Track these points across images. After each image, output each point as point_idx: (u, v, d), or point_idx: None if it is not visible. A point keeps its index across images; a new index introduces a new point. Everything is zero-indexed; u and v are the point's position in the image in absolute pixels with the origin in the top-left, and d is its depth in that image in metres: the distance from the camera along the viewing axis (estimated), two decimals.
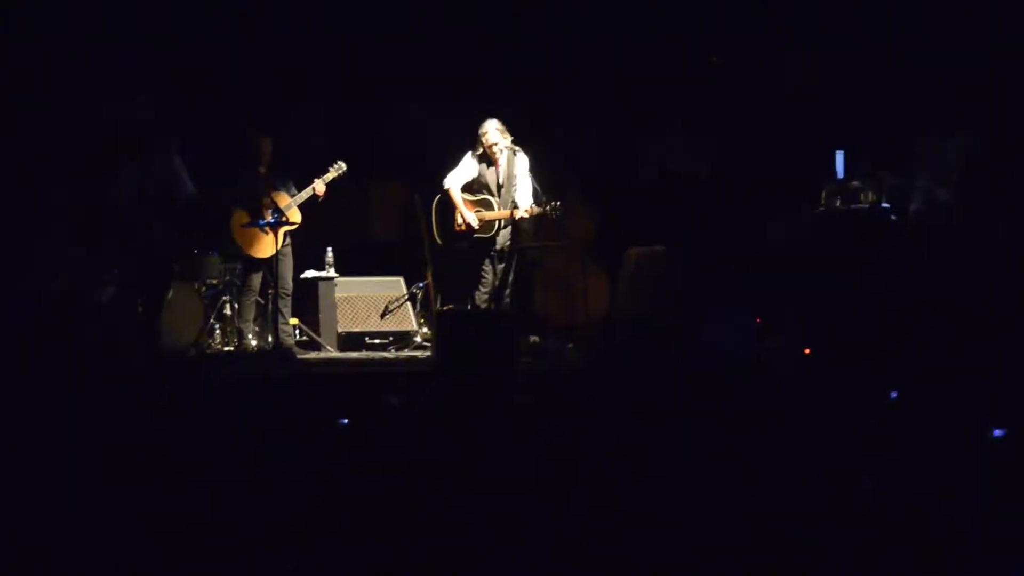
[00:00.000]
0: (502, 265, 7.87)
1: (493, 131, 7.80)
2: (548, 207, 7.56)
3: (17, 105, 7.56)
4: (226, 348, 8.35)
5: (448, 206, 7.96)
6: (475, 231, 7.82)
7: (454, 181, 7.95)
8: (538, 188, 7.65)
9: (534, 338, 8.10)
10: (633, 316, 7.82)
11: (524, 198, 7.81)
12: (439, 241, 7.96)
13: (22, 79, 7.61)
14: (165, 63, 8.14)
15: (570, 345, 8.02)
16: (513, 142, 7.74)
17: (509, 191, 7.83)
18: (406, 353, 8.40)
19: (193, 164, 7.30)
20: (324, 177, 8.02)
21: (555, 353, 7.79)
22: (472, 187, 7.95)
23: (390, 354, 8.34)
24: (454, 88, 8.77)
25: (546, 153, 8.11)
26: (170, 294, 7.64)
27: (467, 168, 7.96)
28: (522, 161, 7.77)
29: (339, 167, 8.08)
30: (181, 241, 7.65)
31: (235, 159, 8.05)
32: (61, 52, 7.74)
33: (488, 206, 7.92)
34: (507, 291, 7.84)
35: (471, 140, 7.93)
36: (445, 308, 7.97)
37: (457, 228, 7.87)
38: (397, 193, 9.04)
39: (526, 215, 7.68)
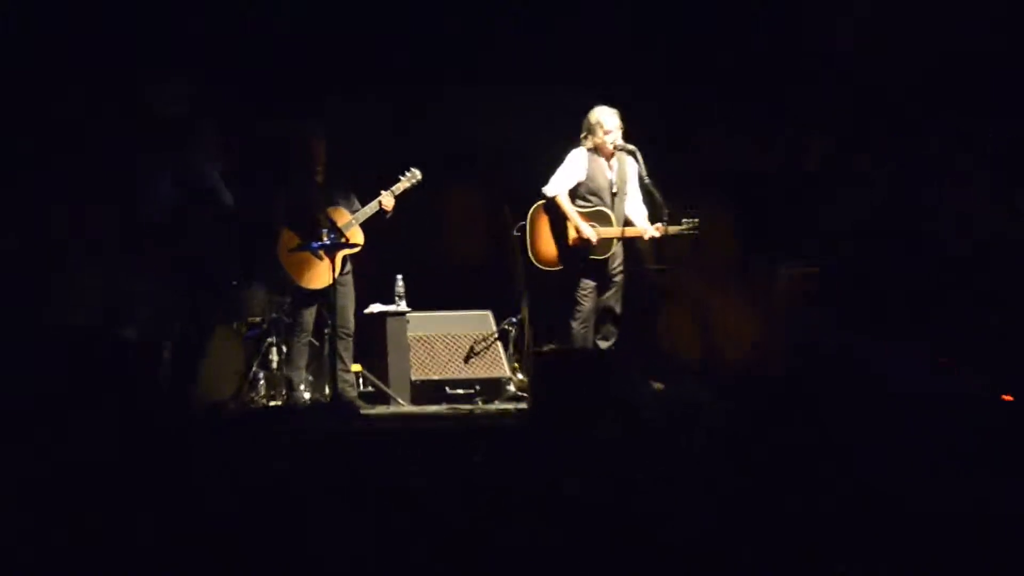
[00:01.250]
0: (611, 291, 8.02)
1: (612, 120, 7.81)
2: (687, 225, 7.67)
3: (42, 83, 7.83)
4: (273, 402, 8.33)
5: (551, 218, 8.03)
6: (591, 250, 7.88)
7: (561, 185, 7.97)
8: (659, 197, 7.76)
9: (658, 384, 8.11)
10: (787, 352, 7.94)
11: (638, 209, 8.03)
12: (537, 263, 8.04)
13: (48, 48, 7.90)
14: (197, 44, 8.26)
15: (706, 391, 7.81)
16: (625, 137, 7.87)
17: (623, 201, 8.03)
18: (497, 406, 8.43)
19: (230, 171, 7.55)
20: (393, 188, 8.06)
21: (687, 400, 7.62)
22: (576, 193, 8.02)
23: (477, 407, 8.37)
24: (552, 69, 8.84)
25: (662, 151, 8.15)
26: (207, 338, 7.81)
27: (576, 168, 7.99)
28: (634, 164, 7.92)
29: (412, 176, 8.13)
30: (216, 271, 7.83)
31: (282, 165, 8.11)
32: (84, 26, 8.02)
33: (604, 219, 8.00)
34: (613, 325, 7.98)
35: (577, 132, 7.99)
36: (545, 348, 7.95)
37: (572, 243, 7.87)
38: (483, 205, 9.17)
39: (656, 234, 7.76)
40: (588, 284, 8.04)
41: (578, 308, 8.01)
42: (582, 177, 8.00)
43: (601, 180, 7.98)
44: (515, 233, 8.15)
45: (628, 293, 8.14)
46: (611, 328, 8.10)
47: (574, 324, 8.02)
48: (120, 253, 7.45)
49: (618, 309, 8.08)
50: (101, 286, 7.47)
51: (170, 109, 7.48)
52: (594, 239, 7.85)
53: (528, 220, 8.11)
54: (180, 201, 7.34)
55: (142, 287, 7.47)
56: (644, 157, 7.87)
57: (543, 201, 8.09)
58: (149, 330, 7.38)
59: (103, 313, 7.36)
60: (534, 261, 8.08)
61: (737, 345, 8.46)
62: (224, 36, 8.55)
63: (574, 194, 8.03)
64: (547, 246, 8.07)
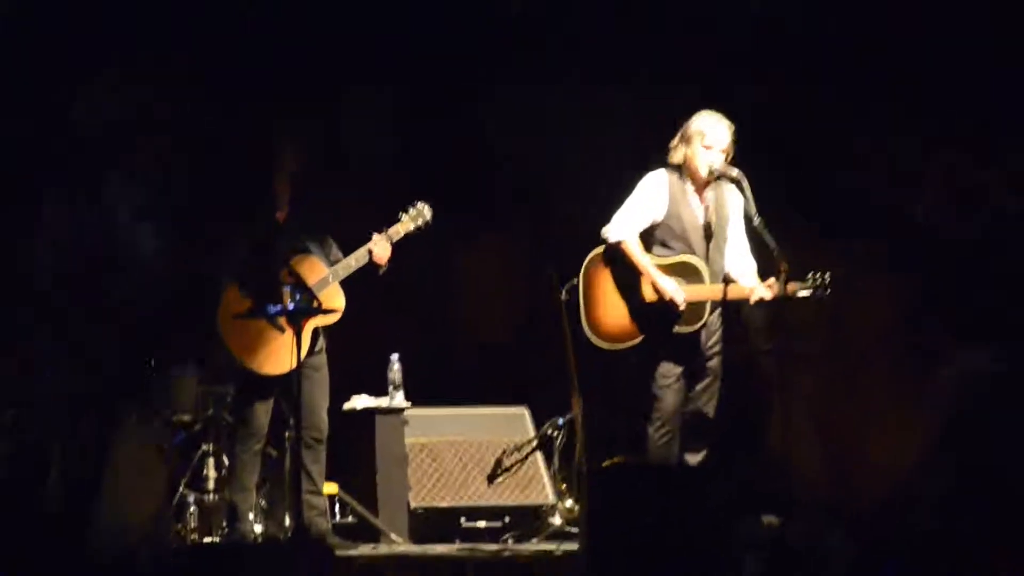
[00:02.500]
0: (703, 383, 7.91)
1: (721, 132, 7.80)
2: (814, 283, 7.68)
3: None
4: (208, 538, 8.32)
5: (615, 273, 7.96)
6: (676, 316, 7.79)
7: (630, 226, 7.90)
8: (773, 244, 7.58)
9: (770, 519, 7.74)
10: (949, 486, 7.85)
11: (742, 261, 7.94)
12: (595, 339, 7.92)
13: None
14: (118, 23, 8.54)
15: (836, 532, 7.52)
16: (731, 161, 7.82)
17: (720, 249, 7.92)
18: (535, 546, 8.38)
19: (149, 204, 7.56)
20: (390, 231, 8.08)
21: (809, 543, 7.34)
22: (652, 237, 7.95)
23: (505, 548, 8.26)
24: (620, 62, 8.98)
25: (774, 179, 8.10)
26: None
27: (652, 200, 7.92)
28: (738, 198, 7.86)
29: (418, 214, 8.18)
30: (126, 346, 7.80)
31: (228, 193, 8.25)
32: None
33: (693, 275, 7.89)
34: (706, 432, 7.93)
35: (654, 153, 7.92)
36: (606, 463, 7.51)
37: (646, 305, 7.84)
38: (518, 255, 9.35)
39: (768, 295, 7.71)
40: (671, 371, 7.88)
41: (656, 406, 7.88)
42: (660, 214, 7.87)
43: (689, 218, 7.86)
44: (563, 295, 7.93)
45: (728, 386, 8.01)
46: (702, 436, 7.96)
47: (650, 429, 7.90)
48: None
49: (712, 409, 7.94)
50: None
51: (87, 122, 7.77)
52: (680, 301, 7.73)
53: (582, 277, 7.97)
54: (80, 250, 7.46)
55: (19, 371, 7.52)
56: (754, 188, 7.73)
57: (603, 248, 7.94)
58: (28, 431, 7.41)
59: None
60: (590, 335, 7.92)
61: (883, 469, 8.37)
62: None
63: (649, 239, 7.92)
64: (609, 314, 7.94)
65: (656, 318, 7.84)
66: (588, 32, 9.19)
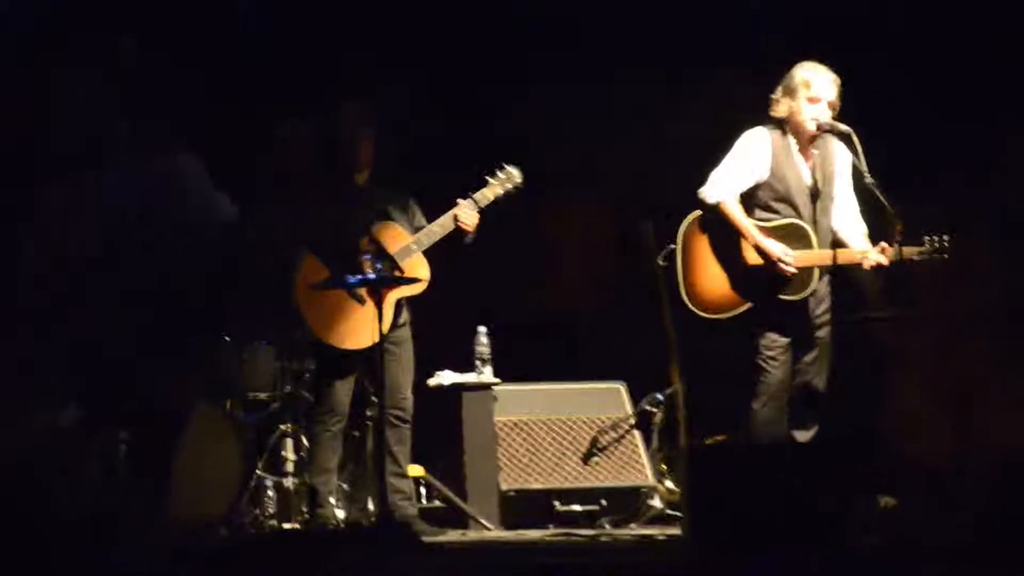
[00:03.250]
0: (811, 354, 7.83)
1: (826, 83, 7.71)
2: (931, 247, 7.62)
3: None
4: (287, 524, 8.37)
5: (715, 237, 7.91)
6: (783, 285, 7.73)
7: (730, 185, 7.82)
8: (888, 204, 7.53)
9: (887, 499, 7.82)
10: None
11: (853, 224, 7.89)
12: (695, 308, 7.89)
13: None
14: None
15: (961, 513, 7.18)
16: (838, 116, 7.74)
17: (828, 210, 7.85)
18: (634, 531, 8.35)
19: (223, 170, 7.15)
20: (477, 196, 8.03)
21: (932, 526, 7.13)
22: (754, 199, 7.88)
23: (603, 533, 8.28)
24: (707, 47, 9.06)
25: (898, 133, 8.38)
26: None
27: (753, 158, 7.82)
28: (846, 155, 7.78)
29: (508, 177, 8.11)
30: (198, 319, 7.42)
31: (303, 160, 8.20)
32: None
33: (800, 239, 7.82)
34: (816, 407, 7.87)
35: (759, 105, 7.84)
36: (709, 440, 7.85)
37: (749, 270, 7.79)
38: (611, 220, 9.42)
39: (884, 261, 7.65)
40: (777, 341, 7.79)
41: (762, 379, 7.78)
42: (764, 174, 7.76)
43: (794, 178, 7.76)
44: (660, 262, 7.97)
45: (839, 357, 7.97)
46: (812, 411, 7.86)
47: (755, 404, 7.79)
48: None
49: (822, 382, 7.85)
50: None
51: (122, 63, 7.21)
52: (790, 265, 7.64)
53: (680, 241, 7.91)
54: (134, 207, 6.89)
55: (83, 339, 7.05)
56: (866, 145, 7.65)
57: (700, 212, 7.88)
58: (91, 408, 6.98)
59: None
60: (689, 304, 7.86)
61: (1001, 446, 7.94)
62: None
63: (750, 200, 7.81)
64: (709, 280, 7.89)
65: (761, 284, 7.77)
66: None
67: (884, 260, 7.60)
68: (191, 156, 6.99)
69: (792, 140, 7.73)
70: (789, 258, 7.65)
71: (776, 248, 7.67)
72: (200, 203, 6.99)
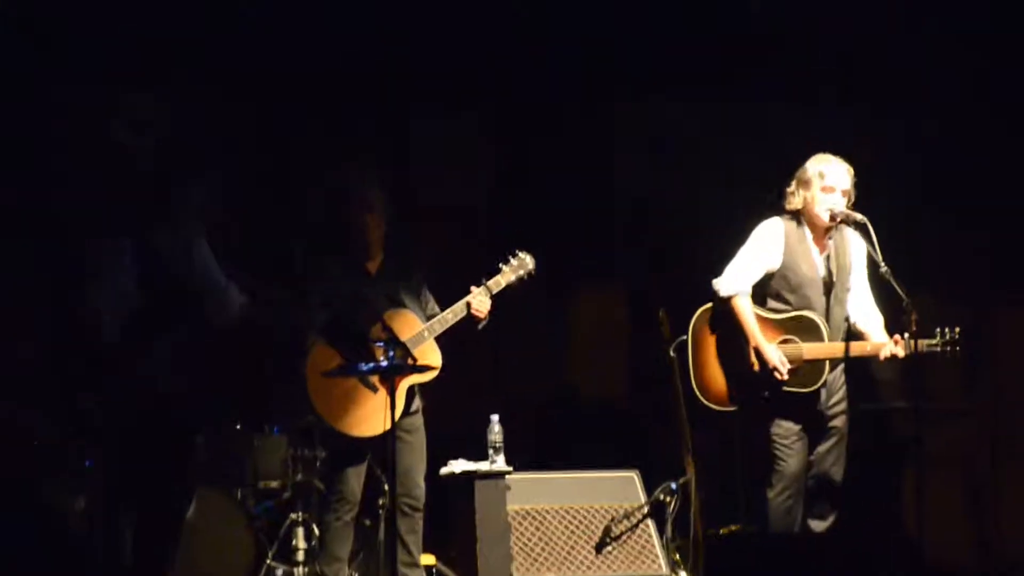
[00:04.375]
0: (827, 444, 7.80)
1: (840, 173, 7.72)
2: (942, 337, 7.58)
3: None
4: None
5: (722, 331, 7.93)
6: (789, 379, 7.75)
7: (742, 279, 7.84)
8: (903, 294, 7.47)
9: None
10: None
11: (868, 313, 7.84)
12: (705, 400, 7.90)
13: None
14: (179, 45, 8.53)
15: None
16: (853, 205, 7.76)
17: (842, 301, 7.82)
18: None
19: (229, 247, 7.22)
20: (490, 283, 7.99)
21: None
22: (768, 289, 7.90)
23: None
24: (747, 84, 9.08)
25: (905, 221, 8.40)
26: (191, 510, 7.40)
27: (767, 249, 7.87)
28: (861, 245, 7.78)
29: (520, 264, 8.09)
30: (207, 402, 7.52)
31: (313, 239, 8.29)
32: None
33: (811, 331, 7.81)
34: (832, 497, 7.82)
35: (775, 192, 7.89)
36: (723, 531, 7.86)
37: (751, 368, 7.78)
38: (627, 307, 9.45)
39: (899, 353, 7.62)
40: (790, 430, 7.77)
41: (776, 468, 7.77)
42: (776, 264, 7.80)
43: (807, 269, 7.79)
44: (671, 353, 8.00)
45: (855, 446, 7.88)
46: (829, 501, 7.82)
47: (770, 494, 7.77)
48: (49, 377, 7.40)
49: (839, 472, 7.80)
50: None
51: (134, 137, 7.20)
52: (783, 371, 7.69)
53: (690, 333, 7.96)
54: (147, 297, 7.01)
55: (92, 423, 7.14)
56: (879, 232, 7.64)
57: (711, 304, 7.91)
58: (96, 496, 7.08)
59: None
60: (699, 395, 7.91)
61: None
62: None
63: (763, 290, 7.85)
64: (717, 373, 7.90)
65: (760, 385, 7.75)
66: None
67: (900, 352, 7.58)
68: (203, 241, 6.97)
69: (807, 230, 7.74)
70: (784, 368, 7.63)
71: (774, 356, 7.64)
72: (209, 287, 6.94)
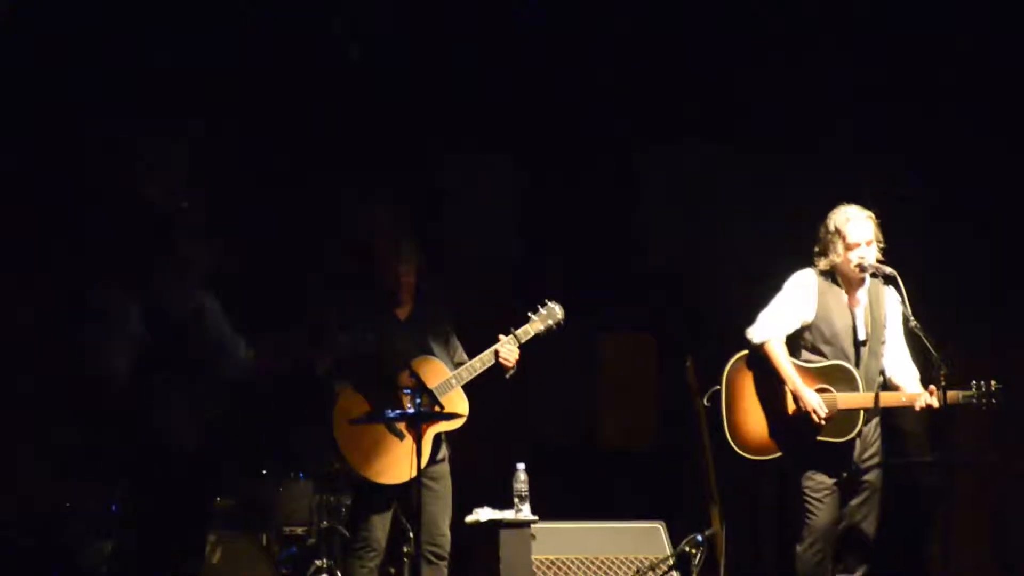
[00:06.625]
0: (860, 497, 7.71)
1: (862, 227, 7.69)
2: (977, 392, 7.53)
3: None
4: None
5: (758, 378, 7.86)
6: (824, 429, 7.66)
7: (776, 327, 7.81)
8: (932, 348, 7.45)
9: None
10: None
11: (901, 365, 7.81)
12: (737, 449, 7.83)
13: None
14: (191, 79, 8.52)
15: None
16: (882, 257, 7.72)
17: (877, 353, 7.78)
18: None
19: (240, 301, 7.13)
20: (519, 332, 7.97)
21: None
22: (801, 340, 7.85)
23: None
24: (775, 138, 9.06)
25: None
26: (216, 555, 7.60)
27: (800, 301, 7.83)
28: (894, 296, 7.72)
29: (549, 314, 8.06)
30: (230, 452, 7.67)
31: (338, 289, 8.32)
32: None
33: (846, 381, 7.75)
34: (864, 551, 7.71)
35: (806, 243, 7.85)
36: None
37: (791, 416, 7.72)
38: (654, 356, 9.47)
39: (935, 404, 7.54)
40: (822, 483, 7.68)
41: (807, 521, 7.65)
42: (810, 316, 7.74)
43: (840, 322, 7.72)
44: (704, 403, 7.93)
45: (889, 500, 7.80)
46: (859, 555, 7.71)
47: (800, 547, 7.67)
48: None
49: (872, 526, 7.68)
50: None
51: (164, 196, 7.27)
52: (820, 414, 7.59)
53: (724, 381, 7.83)
54: (155, 343, 6.94)
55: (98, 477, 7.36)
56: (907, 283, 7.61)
57: (746, 352, 7.81)
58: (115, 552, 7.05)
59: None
60: (732, 445, 7.78)
61: None
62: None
63: (797, 341, 7.78)
64: (753, 422, 7.79)
65: (799, 431, 7.70)
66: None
67: (935, 403, 7.48)
68: (212, 296, 6.98)
69: (840, 282, 7.71)
70: (823, 411, 7.58)
71: (812, 399, 7.59)
72: (218, 341, 6.95)
